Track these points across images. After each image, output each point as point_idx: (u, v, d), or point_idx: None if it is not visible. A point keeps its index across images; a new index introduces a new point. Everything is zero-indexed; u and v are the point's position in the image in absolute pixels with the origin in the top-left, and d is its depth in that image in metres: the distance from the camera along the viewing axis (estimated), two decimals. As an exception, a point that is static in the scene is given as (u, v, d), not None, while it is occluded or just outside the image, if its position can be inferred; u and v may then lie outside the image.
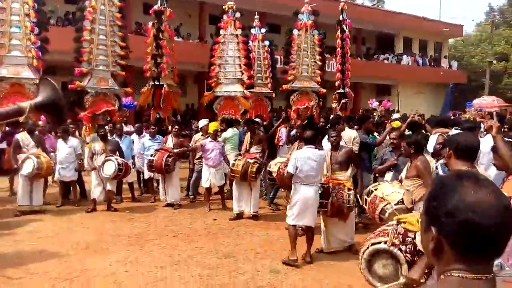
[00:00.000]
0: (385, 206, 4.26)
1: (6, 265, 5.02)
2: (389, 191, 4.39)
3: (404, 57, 26.52)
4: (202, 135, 8.62)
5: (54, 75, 14.45)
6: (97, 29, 9.78)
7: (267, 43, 13.54)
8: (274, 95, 13.56)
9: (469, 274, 1.02)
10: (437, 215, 1.05)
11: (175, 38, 11.95)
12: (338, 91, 13.85)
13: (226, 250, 5.71)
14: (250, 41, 13.01)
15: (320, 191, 5.28)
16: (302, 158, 5.19)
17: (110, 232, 6.47)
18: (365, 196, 4.69)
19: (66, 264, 5.16)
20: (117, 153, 7.76)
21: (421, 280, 2.70)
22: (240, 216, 7.24)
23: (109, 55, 10.32)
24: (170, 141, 8.31)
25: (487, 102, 21.20)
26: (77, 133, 9.33)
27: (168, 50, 10.85)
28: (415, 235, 2.83)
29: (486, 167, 4.94)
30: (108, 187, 7.57)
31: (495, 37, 30.45)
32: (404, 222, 2.94)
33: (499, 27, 33.87)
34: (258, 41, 13.23)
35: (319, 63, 13.32)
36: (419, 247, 2.74)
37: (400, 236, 2.90)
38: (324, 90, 13.34)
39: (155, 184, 8.93)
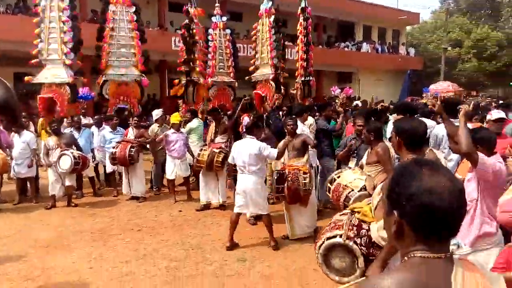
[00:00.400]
0: (349, 193, 4.33)
1: (-40, 267, 4.79)
2: (351, 178, 4.48)
3: (364, 44, 27.02)
4: (158, 126, 8.48)
5: (2, 66, 13.77)
6: (47, 15, 9.42)
7: (228, 31, 13.40)
8: (236, 84, 13.49)
9: (430, 254, 1.11)
10: (398, 200, 1.14)
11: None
12: (303, 79, 13.89)
13: (193, 241, 5.68)
14: (211, 30, 12.87)
15: (276, 177, 5.38)
16: (238, 149, 5.38)
17: (71, 229, 6.28)
18: (329, 184, 4.77)
19: (26, 263, 4.98)
20: (73, 146, 7.50)
21: None
22: (207, 206, 7.20)
23: (59, 43, 9.99)
24: (131, 132, 8.13)
25: (442, 87, 21.98)
26: (32, 128, 8.95)
27: (106, 40, 10.61)
28: (369, 227, 2.83)
29: (448, 153, 5.13)
30: (67, 182, 7.33)
31: (450, 25, 31.55)
32: (359, 212, 2.93)
33: (453, 15, 35.09)
34: (219, 30, 13.06)
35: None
36: (374, 239, 2.76)
37: (355, 228, 2.89)
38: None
39: (117, 177, 8.72)
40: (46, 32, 9.67)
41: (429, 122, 5.83)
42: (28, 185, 8.04)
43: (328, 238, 2.93)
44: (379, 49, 27.97)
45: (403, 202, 1.12)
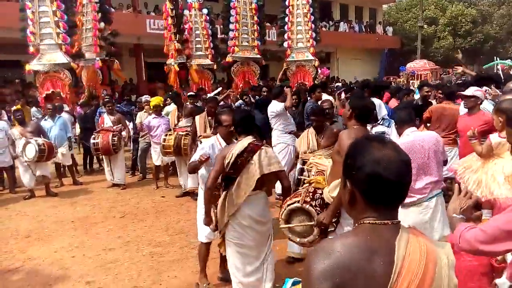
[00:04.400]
0: None
1: None
2: (326, 162, 4.41)
3: (341, 24, 26.98)
4: (145, 111, 8.32)
5: None
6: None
7: (205, 11, 13.12)
8: (215, 66, 13.31)
9: (378, 220, 1.22)
10: (351, 171, 1.26)
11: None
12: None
13: (177, 226, 5.68)
14: (186, 11, 12.60)
15: None
16: None
17: (52, 218, 6.19)
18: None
19: (7, 254, 4.92)
20: (40, 135, 7.30)
21: (330, 226, 3.12)
22: (187, 192, 7.11)
23: (53, 27, 9.81)
24: (107, 119, 7.91)
25: (419, 65, 22.26)
26: (5, 116, 8.71)
27: (82, 22, 10.44)
28: (322, 191, 3.21)
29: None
30: (38, 172, 7.16)
31: (425, 2, 31.71)
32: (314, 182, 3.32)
33: (428, -8, 35.24)
34: (195, 10, 12.78)
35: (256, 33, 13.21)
36: (326, 199, 3.15)
37: (311, 194, 3.28)
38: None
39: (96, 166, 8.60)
40: (36, 17, 9.55)
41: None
42: (5, 175, 7.84)
43: (288, 205, 3.29)
44: (357, 28, 27.99)
45: (353, 173, 1.24)
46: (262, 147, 3.35)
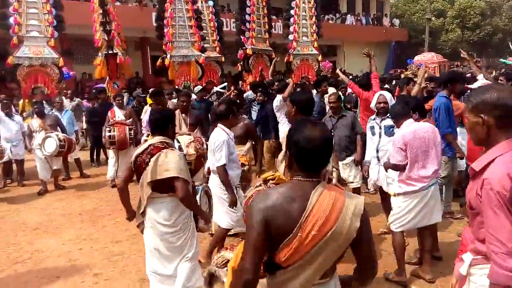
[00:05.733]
0: None
1: None
2: None
3: (348, 16, 26.77)
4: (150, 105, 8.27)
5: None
6: None
7: (211, 3, 13.05)
8: (223, 59, 13.23)
9: (302, 178, 1.70)
10: (290, 145, 1.73)
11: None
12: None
13: (183, 219, 5.68)
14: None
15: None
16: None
17: (59, 211, 6.23)
18: None
19: (15, 246, 4.96)
20: (58, 128, 7.34)
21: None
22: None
23: (42, 19, 9.64)
24: (119, 113, 7.84)
25: (427, 58, 21.97)
26: (13, 110, 8.73)
27: (115, 16, 10.32)
28: None
29: None
30: (55, 165, 7.19)
31: (433, -6, 31.34)
32: (272, 179, 3.22)
33: (436, -16, 34.79)
34: (202, 2, 12.71)
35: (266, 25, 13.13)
36: None
37: None
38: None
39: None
40: (23, 6, 9.38)
41: None
42: (14, 168, 7.90)
43: None
44: (364, 20, 27.75)
45: (291, 146, 1.72)
46: (163, 150, 3.13)
